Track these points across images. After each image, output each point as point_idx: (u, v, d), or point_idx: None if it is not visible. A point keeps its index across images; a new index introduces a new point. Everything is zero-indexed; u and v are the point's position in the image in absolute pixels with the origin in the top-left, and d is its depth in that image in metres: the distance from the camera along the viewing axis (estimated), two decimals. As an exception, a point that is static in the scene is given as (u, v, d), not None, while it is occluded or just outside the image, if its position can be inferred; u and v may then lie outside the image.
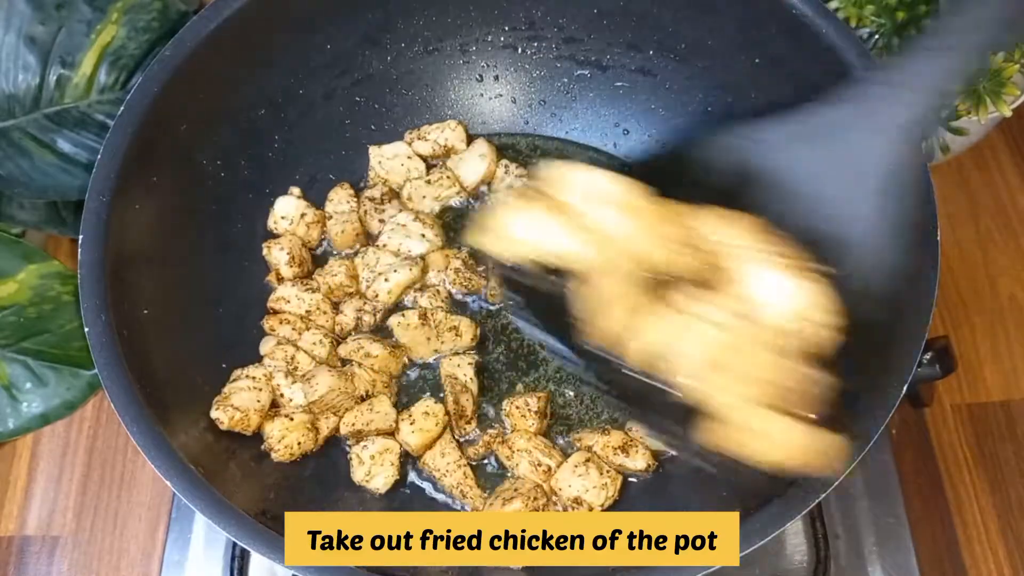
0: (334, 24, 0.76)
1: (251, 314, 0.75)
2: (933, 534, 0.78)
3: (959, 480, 0.80)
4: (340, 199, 0.80)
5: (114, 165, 0.63)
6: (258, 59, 0.73)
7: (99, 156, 0.64)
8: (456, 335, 0.74)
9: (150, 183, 0.67)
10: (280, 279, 0.76)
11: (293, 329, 0.74)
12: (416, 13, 0.79)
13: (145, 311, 0.64)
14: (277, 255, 0.76)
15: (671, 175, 0.56)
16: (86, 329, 0.59)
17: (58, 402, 0.74)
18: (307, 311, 0.75)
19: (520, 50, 0.83)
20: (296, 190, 0.79)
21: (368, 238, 0.80)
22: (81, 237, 0.61)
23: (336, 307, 0.76)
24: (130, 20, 0.75)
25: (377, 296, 0.76)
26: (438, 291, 0.77)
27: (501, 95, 0.85)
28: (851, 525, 0.75)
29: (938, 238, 0.59)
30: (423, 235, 0.78)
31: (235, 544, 0.74)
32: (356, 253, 0.79)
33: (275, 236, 0.78)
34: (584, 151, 0.85)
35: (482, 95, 0.85)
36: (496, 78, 0.85)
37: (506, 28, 0.82)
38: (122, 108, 0.65)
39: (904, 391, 0.55)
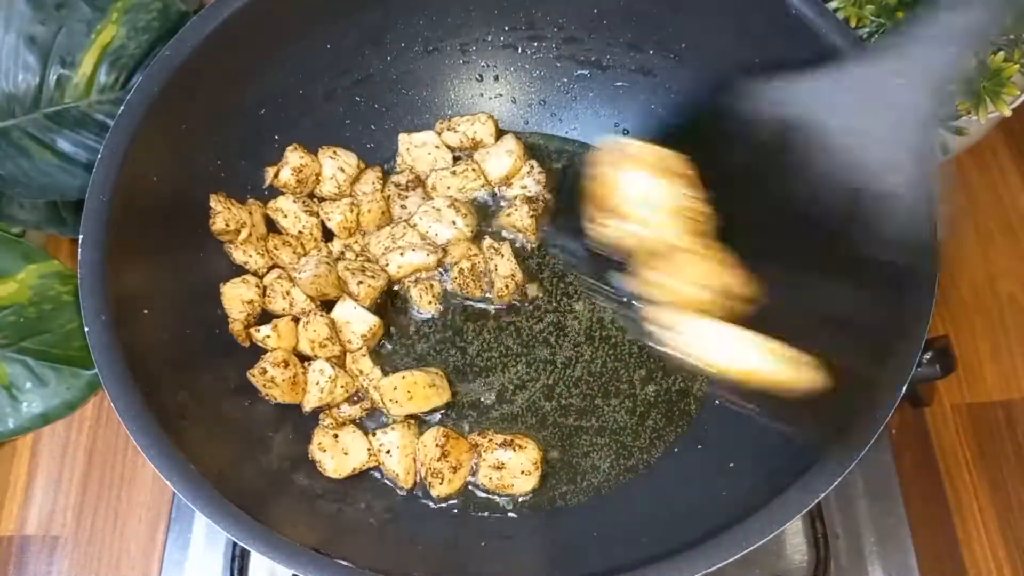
0: (334, 24, 0.76)
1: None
2: (933, 534, 0.78)
3: (959, 480, 0.80)
4: (368, 180, 0.81)
5: (114, 165, 0.63)
6: (258, 59, 0.73)
7: (99, 155, 0.64)
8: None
9: (151, 183, 0.67)
10: (284, 187, 0.78)
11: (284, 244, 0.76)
12: (416, 13, 0.79)
13: (145, 311, 0.64)
14: (286, 174, 0.78)
15: (714, 129, 0.58)
16: (86, 329, 0.59)
17: (58, 402, 0.74)
18: (299, 231, 0.77)
19: (520, 50, 0.83)
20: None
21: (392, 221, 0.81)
22: (81, 237, 0.61)
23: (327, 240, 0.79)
24: (130, 20, 0.75)
25: (387, 265, 0.77)
26: (431, 286, 0.77)
27: (501, 95, 0.85)
28: (851, 525, 0.75)
29: (937, 240, 0.58)
30: (454, 222, 0.78)
31: (235, 544, 0.74)
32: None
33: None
34: (584, 151, 0.85)
35: (482, 95, 0.85)
36: (496, 78, 0.85)
37: (506, 28, 0.82)
38: (122, 108, 0.65)
39: (903, 391, 0.55)
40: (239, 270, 0.75)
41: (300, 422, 0.73)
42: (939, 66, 0.51)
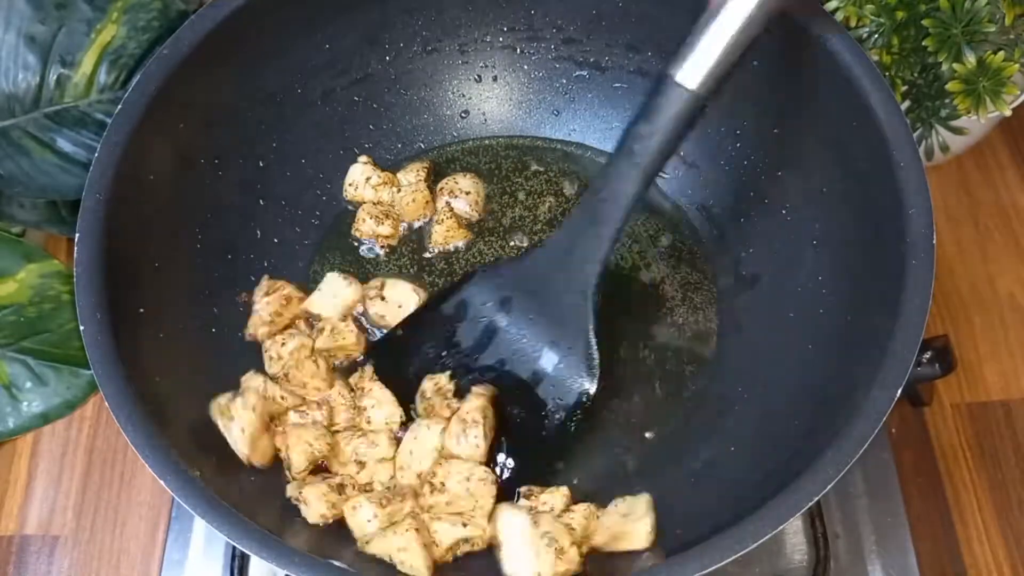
0: (333, 24, 0.76)
1: (247, 313, 0.75)
2: (933, 534, 0.78)
3: (959, 480, 0.80)
4: (411, 169, 0.81)
5: (111, 163, 0.63)
6: (256, 59, 0.73)
7: (96, 154, 0.63)
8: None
9: (147, 182, 0.67)
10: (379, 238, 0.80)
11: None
12: (415, 13, 0.79)
13: (142, 310, 0.64)
14: (366, 224, 0.79)
15: (459, 318, 0.72)
16: (81, 328, 0.59)
17: (58, 401, 0.74)
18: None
19: (519, 51, 0.83)
20: (364, 157, 0.81)
21: (435, 209, 0.81)
22: (77, 235, 0.61)
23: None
24: (130, 19, 0.75)
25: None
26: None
27: (500, 96, 0.85)
28: (851, 524, 0.75)
29: (934, 241, 0.58)
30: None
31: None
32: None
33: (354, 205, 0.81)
34: (584, 151, 0.85)
35: (481, 96, 0.85)
36: (495, 79, 0.85)
37: (505, 29, 0.82)
38: (120, 106, 0.65)
39: (901, 391, 0.55)
40: (237, 269, 0.75)
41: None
42: (587, 269, 0.66)
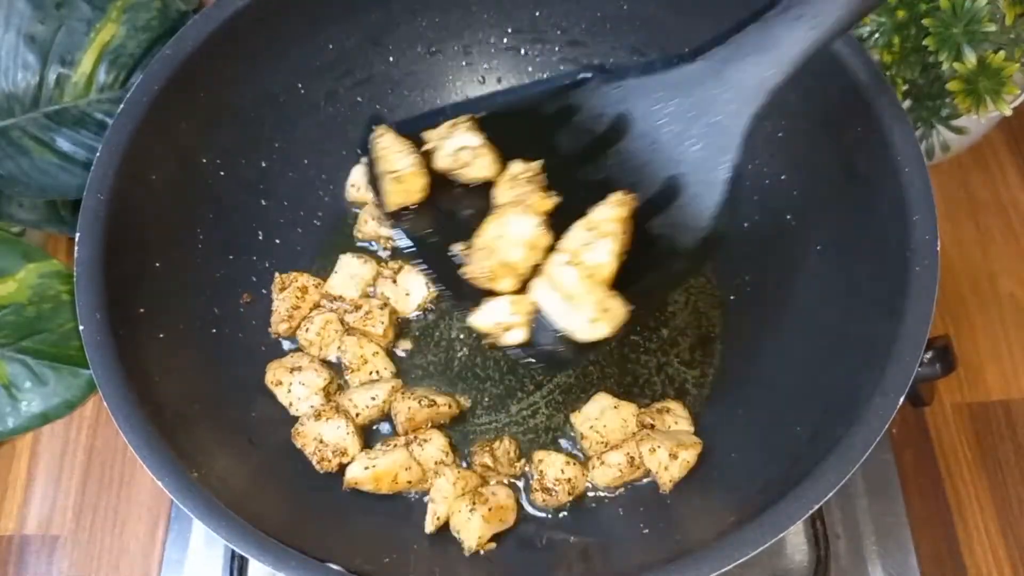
0: (336, 24, 0.76)
1: (248, 314, 0.75)
2: (933, 534, 0.78)
3: (959, 480, 0.80)
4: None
5: (112, 163, 0.63)
6: (259, 59, 0.73)
7: (98, 154, 0.63)
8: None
9: (149, 181, 0.67)
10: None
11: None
12: (418, 14, 0.79)
13: (142, 310, 0.64)
14: (368, 225, 0.79)
15: (561, 122, 0.64)
16: (80, 327, 0.59)
17: (58, 401, 0.74)
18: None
19: (522, 52, 0.83)
20: (366, 158, 0.80)
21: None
22: (78, 235, 0.61)
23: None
24: (130, 19, 0.75)
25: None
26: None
27: (503, 97, 0.85)
28: (851, 524, 0.75)
29: (937, 247, 0.58)
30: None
31: (234, 543, 0.74)
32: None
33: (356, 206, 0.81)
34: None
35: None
36: (499, 80, 0.84)
37: (508, 30, 0.82)
38: (122, 106, 0.65)
39: (904, 397, 0.55)
40: (237, 269, 0.75)
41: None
42: (751, 85, 0.56)
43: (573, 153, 0.63)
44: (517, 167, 0.63)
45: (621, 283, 0.58)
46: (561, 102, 0.64)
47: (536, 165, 0.62)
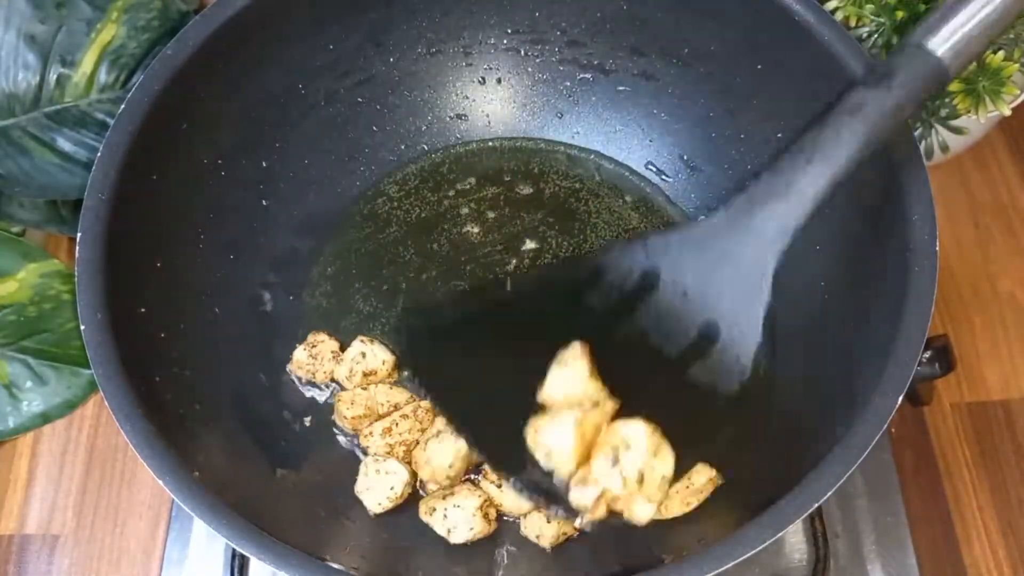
0: (337, 24, 0.76)
1: (248, 314, 0.75)
2: (933, 533, 0.78)
3: (959, 479, 0.80)
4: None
5: (113, 163, 0.63)
6: (260, 59, 0.73)
7: (99, 153, 0.63)
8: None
9: (150, 181, 0.66)
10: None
11: None
12: (419, 15, 0.79)
13: (143, 310, 0.64)
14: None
15: (590, 285, 0.65)
16: (82, 327, 0.59)
17: (58, 401, 0.74)
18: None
19: (523, 53, 0.83)
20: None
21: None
22: (79, 235, 0.61)
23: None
24: (130, 19, 0.75)
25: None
26: None
27: (503, 98, 0.85)
28: (851, 524, 0.75)
29: (936, 248, 0.58)
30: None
31: (235, 543, 0.74)
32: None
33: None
34: (587, 154, 0.85)
35: (484, 98, 0.85)
36: (499, 81, 0.85)
37: (509, 31, 0.82)
38: (123, 106, 0.65)
39: (903, 396, 0.55)
40: (237, 270, 0.75)
41: (304, 429, 0.73)
42: (772, 229, 0.57)
43: (606, 310, 0.64)
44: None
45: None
46: (589, 268, 0.65)
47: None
